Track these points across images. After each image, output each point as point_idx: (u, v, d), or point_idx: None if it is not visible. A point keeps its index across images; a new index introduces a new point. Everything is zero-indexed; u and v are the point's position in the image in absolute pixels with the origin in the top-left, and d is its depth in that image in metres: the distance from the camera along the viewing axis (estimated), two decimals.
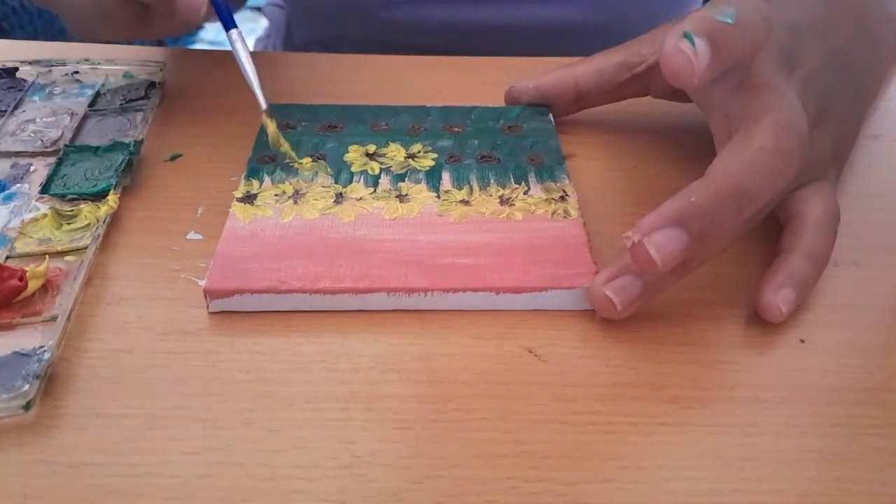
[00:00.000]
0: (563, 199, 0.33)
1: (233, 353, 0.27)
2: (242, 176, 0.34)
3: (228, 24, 0.37)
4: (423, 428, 0.25)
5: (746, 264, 0.31)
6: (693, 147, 0.37)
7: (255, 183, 0.33)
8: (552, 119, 0.39)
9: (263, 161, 0.35)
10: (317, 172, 0.34)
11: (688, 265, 0.28)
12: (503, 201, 0.33)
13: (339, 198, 0.33)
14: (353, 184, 0.34)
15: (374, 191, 0.33)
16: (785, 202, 0.31)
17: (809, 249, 0.30)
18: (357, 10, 0.54)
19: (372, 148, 0.36)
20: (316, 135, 0.37)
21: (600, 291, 0.28)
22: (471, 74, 0.45)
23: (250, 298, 0.28)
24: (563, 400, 0.26)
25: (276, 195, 0.33)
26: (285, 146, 0.35)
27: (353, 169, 0.35)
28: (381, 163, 0.35)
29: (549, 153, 0.36)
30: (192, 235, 0.32)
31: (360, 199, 0.33)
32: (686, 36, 0.26)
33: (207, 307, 0.28)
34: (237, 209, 0.32)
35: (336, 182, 0.34)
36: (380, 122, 0.38)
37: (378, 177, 0.34)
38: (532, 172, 0.35)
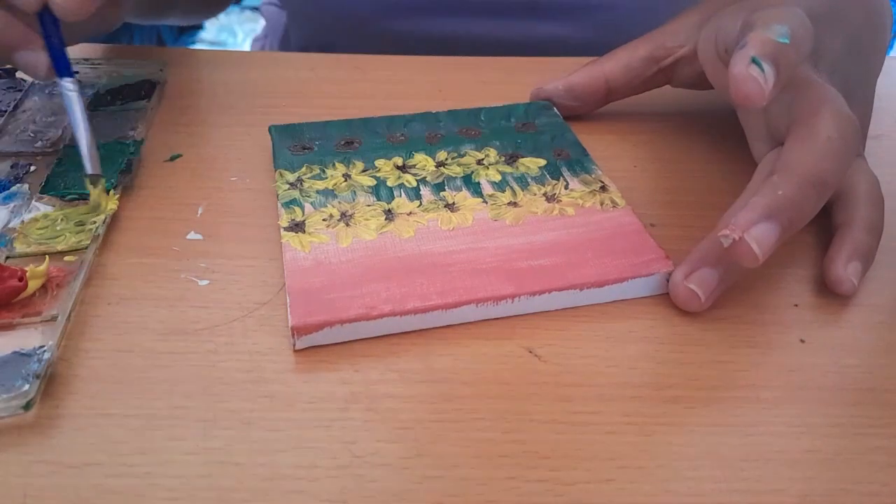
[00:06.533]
0: (603, 189, 0.34)
1: (233, 353, 0.27)
2: (280, 205, 0.32)
3: (62, 71, 0.32)
4: (423, 428, 0.25)
5: None
6: (697, 141, 0.38)
7: (298, 210, 0.32)
8: (558, 112, 0.40)
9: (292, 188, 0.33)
10: (354, 192, 0.33)
11: None
12: (549, 199, 0.33)
13: (389, 214, 0.32)
14: (396, 199, 0.33)
15: (420, 203, 0.33)
16: None
17: (866, 221, 0.31)
18: (353, 20, 0.54)
19: (399, 160, 0.36)
20: (337, 152, 0.36)
21: (683, 286, 0.29)
22: (470, 74, 0.45)
23: (340, 329, 0.27)
24: (563, 400, 0.26)
25: (324, 220, 0.32)
26: (109, 203, 0.32)
27: (389, 184, 0.34)
28: (415, 174, 0.35)
29: (571, 146, 0.37)
30: (192, 235, 0.32)
31: (411, 213, 0.32)
32: (755, 61, 0.27)
33: (294, 345, 0.27)
34: (290, 239, 0.30)
35: (378, 199, 0.33)
36: (394, 133, 0.38)
37: (417, 189, 0.34)
38: (564, 167, 0.35)
